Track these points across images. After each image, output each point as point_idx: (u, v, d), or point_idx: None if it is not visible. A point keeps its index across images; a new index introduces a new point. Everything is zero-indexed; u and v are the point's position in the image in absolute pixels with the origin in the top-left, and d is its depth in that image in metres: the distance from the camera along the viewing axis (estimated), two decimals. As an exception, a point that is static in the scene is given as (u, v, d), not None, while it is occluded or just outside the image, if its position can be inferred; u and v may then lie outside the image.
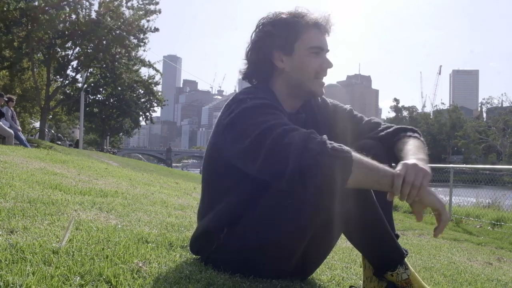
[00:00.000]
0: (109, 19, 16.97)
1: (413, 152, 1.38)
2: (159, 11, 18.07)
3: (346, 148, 1.23)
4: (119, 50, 18.36)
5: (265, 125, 1.30)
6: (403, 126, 1.59)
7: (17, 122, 9.44)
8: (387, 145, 1.52)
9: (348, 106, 1.71)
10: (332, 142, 1.24)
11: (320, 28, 1.54)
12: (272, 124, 1.29)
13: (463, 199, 8.64)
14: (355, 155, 1.23)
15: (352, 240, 1.46)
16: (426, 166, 1.27)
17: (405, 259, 1.41)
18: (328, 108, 1.68)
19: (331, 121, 1.65)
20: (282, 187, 1.26)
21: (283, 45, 1.51)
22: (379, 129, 1.59)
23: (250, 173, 1.34)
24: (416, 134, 1.52)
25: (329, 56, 1.59)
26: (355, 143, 1.47)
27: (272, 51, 1.53)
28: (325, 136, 1.25)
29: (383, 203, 1.42)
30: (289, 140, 1.23)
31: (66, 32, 16.98)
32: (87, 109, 28.68)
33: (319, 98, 1.68)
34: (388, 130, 1.56)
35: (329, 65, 1.54)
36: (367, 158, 1.25)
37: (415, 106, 77.27)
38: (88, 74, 21.66)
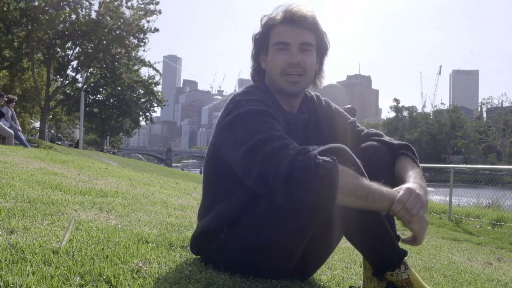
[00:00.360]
0: (109, 19, 16.96)
1: (416, 177, 1.39)
2: (159, 12, 18.07)
3: (334, 172, 1.21)
4: (119, 50, 18.35)
5: (258, 137, 1.30)
6: (405, 143, 1.59)
7: (17, 122, 9.44)
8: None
9: (353, 118, 1.72)
10: (320, 161, 1.21)
11: (288, 22, 1.50)
12: (263, 138, 1.30)
13: (463, 199, 8.63)
14: (343, 180, 1.21)
15: (352, 241, 1.46)
16: (426, 197, 1.32)
17: (405, 259, 1.41)
18: (331, 111, 1.69)
19: (332, 125, 1.66)
20: (277, 202, 1.27)
21: (263, 47, 1.56)
22: (382, 138, 1.60)
23: None
24: (414, 157, 1.53)
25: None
26: (355, 148, 1.48)
27: (260, 54, 1.58)
28: (313, 155, 1.23)
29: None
30: (278, 163, 1.23)
31: (66, 32, 16.95)
32: (87, 109, 28.66)
33: (322, 101, 1.69)
34: (393, 142, 1.57)
35: (293, 59, 1.48)
36: (357, 179, 1.25)
37: (415, 106, 77.10)
38: (88, 74, 21.64)
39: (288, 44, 1.49)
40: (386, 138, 1.61)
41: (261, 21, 1.56)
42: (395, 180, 1.44)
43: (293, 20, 1.50)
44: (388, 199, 1.26)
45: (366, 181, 1.27)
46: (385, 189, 1.28)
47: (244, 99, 1.43)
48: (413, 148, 1.57)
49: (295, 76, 1.50)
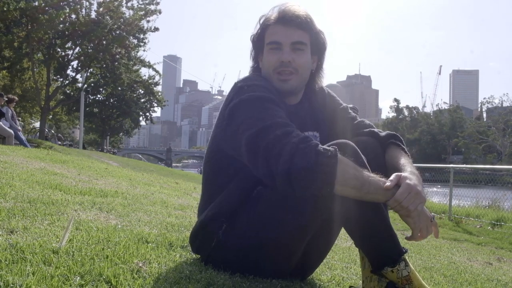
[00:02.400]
0: (109, 19, 16.95)
1: (411, 167, 1.41)
2: (159, 12, 18.05)
3: (333, 160, 1.23)
4: (119, 50, 18.34)
5: (261, 125, 1.32)
6: (394, 133, 1.60)
7: (17, 122, 9.44)
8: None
9: (345, 104, 1.72)
10: (320, 149, 1.24)
11: (281, 22, 1.52)
12: (267, 126, 1.31)
13: (463, 199, 8.63)
14: (341, 169, 1.23)
15: (352, 235, 1.46)
16: (422, 188, 1.32)
17: (406, 257, 1.41)
18: (326, 98, 1.70)
19: (328, 112, 1.68)
20: (278, 188, 1.29)
21: (260, 47, 1.58)
22: (372, 130, 1.62)
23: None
24: (404, 147, 1.55)
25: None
26: (349, 138, 1.49)
27: (258, 55, 1.60)
28: (314, 143, 1.26)
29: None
30: (279, 150, 1.26)
31: (66, 32, 16.96)
32: (87, 109, 28.66)
33: (316, 87, 1.67)
34: (382, 134, 1.58)
35: (283, 57, 1.49)
36: (355, 170, 1.26)
37: (417, 107, 76.99)
38: (88, 74, 21.63)
39: (280, 43, 1.51)
40: (375, 129, 1.62)
41: (259, 21, 1.58)
42: (387, 172, 1.45)
43: (285, 19, 1.51)
44: (384, 192, 1.27)
45: (364, 172, 1.28)
46: (382, 181, 1.29)
47: (246, 85, 1.45)
48: (401, 138, 1.59)
49: (286, 74, 1.51)
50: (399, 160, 1.45)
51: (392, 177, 1.30)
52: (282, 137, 1.28)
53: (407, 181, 1.29)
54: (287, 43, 1.51)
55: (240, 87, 1.45)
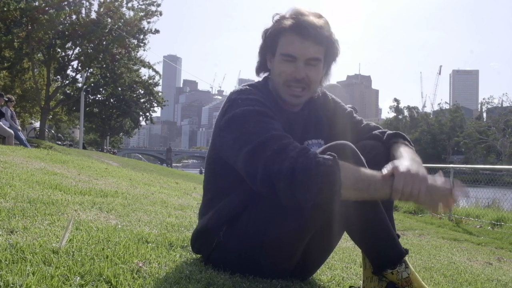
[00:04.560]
0: (109, 19, 16.98)
1: (407, 154, 1.41)
2: (160, 13, 18.06)
3: (334, 167, 1.22)
4: (119, 50, 18.36)
5: (256, 140, 1.31)
6: (398, 132, 1.60)
7: (17, 122, 9.44)
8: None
9: (348, 107, 1.72)
10: (320, 159, 1.23)
11: (298, 32, 1.45)
12: (262, 140, 1.30)
13: (463, 199, 8.63)
14: (344, 174, 1.22)
15: (353, 237, 1.46)
16: (423, 170, 1.30)
17: (406, 259, 1.41)
18: (329, 104, 1.69)
19: (331, 118, 1.67)
20: (283, 203, 1.28)
21: (271, 48, 1.53)
22: (378, 131, 1.62)
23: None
24: (407, 143, 1.54)
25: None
26: (354, 143, 1.48)
27: (267, 52, 1.56)
28: (313, 154, 1.24)
29: (384, 202, 1.42)
30: (279, 167, 1.24)
31: (66, 33, 16.98)
32: (87, 109, 28.62)
33: (319, 93, 1.66)
34: (384, 137, 1.58)
35: (298, 74, 1.46)
36: (358, 172, 1.25)
37: (417, 107, 76.91)
38: (88, 74, 21.64)
39: (294, 57, 1.47)
40: (379, 132, 1.61)
41: (273, 18, 1.53)
42: None
43: (303, 32, 1.45)
44: (390, 186, 1.26)
45: (367, 172, 1.27)
46: (379, 176, 1.28)
47: (240, 98, 1.44)
48: (403, 134, 1.58)
49: (298, 90, 1.50)
50: (397, 153, 1.45)
51: (387, 166, 1.30)
52: (280, 152, 1.26)
53: (399, 167, 1.27)
54: (302, 58, 1.46)
55: (234, 100, 1.44)
